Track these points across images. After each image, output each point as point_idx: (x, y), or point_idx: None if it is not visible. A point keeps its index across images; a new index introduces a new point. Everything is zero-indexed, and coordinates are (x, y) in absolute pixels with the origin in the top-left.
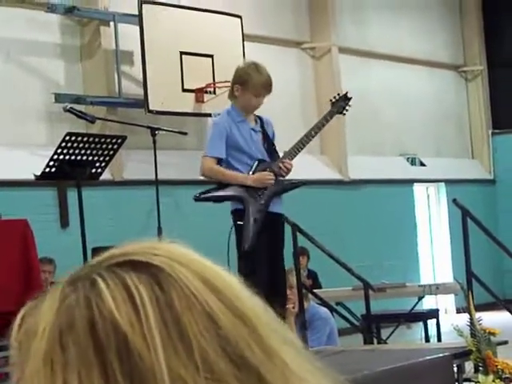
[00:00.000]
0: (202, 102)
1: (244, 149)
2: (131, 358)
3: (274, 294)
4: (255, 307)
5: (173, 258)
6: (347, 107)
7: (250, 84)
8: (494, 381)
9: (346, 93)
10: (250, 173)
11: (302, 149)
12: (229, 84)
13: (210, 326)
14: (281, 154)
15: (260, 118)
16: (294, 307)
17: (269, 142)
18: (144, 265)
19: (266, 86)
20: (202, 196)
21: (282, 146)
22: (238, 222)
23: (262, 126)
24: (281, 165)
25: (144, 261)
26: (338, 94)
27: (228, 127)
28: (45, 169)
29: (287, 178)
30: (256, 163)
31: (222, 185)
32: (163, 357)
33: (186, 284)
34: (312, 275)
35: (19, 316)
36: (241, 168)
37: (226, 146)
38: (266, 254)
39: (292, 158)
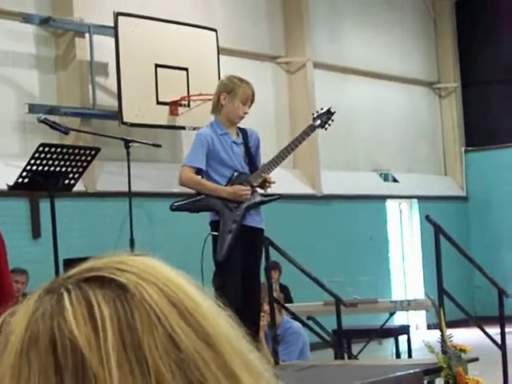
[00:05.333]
0: (177, 114)
1: (225, 161)
2: (86, 378)
3: (247, 309)
4: (223, 328)
5: (140, 275)
6: (330, 122)
7: (238, 91)
8: None
9: (330, 107)
10: (228, 184)
11: (280, 162)
12: (204, 97)
13: (171, 349)
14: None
15: (243, 131)
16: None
17: (250, 155)
18: (111, 281)
19: (252, 95)
20: (178, 205)
21: None
22: (213, 233)
23: (245, 140)
24: (262, 180)
25: (111, 277)
26: (322, 109)
27: (210, 139)
28: (18, 179)
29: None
30: (235, 175)
31: (199, 195)
32: (117, 378)
33: (150, 304)
34: (283, 289)
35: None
36: (220, 180)
37: (207, 157)
38: (241, 267)
39: (269, 172)
